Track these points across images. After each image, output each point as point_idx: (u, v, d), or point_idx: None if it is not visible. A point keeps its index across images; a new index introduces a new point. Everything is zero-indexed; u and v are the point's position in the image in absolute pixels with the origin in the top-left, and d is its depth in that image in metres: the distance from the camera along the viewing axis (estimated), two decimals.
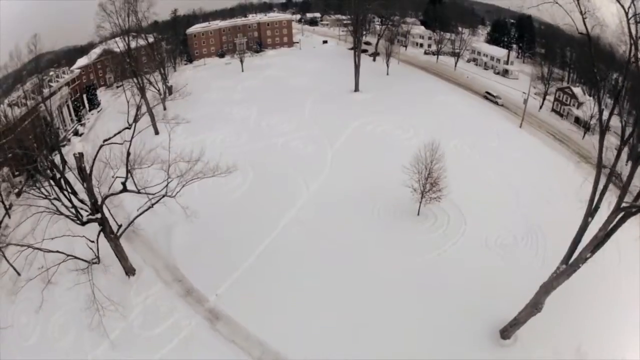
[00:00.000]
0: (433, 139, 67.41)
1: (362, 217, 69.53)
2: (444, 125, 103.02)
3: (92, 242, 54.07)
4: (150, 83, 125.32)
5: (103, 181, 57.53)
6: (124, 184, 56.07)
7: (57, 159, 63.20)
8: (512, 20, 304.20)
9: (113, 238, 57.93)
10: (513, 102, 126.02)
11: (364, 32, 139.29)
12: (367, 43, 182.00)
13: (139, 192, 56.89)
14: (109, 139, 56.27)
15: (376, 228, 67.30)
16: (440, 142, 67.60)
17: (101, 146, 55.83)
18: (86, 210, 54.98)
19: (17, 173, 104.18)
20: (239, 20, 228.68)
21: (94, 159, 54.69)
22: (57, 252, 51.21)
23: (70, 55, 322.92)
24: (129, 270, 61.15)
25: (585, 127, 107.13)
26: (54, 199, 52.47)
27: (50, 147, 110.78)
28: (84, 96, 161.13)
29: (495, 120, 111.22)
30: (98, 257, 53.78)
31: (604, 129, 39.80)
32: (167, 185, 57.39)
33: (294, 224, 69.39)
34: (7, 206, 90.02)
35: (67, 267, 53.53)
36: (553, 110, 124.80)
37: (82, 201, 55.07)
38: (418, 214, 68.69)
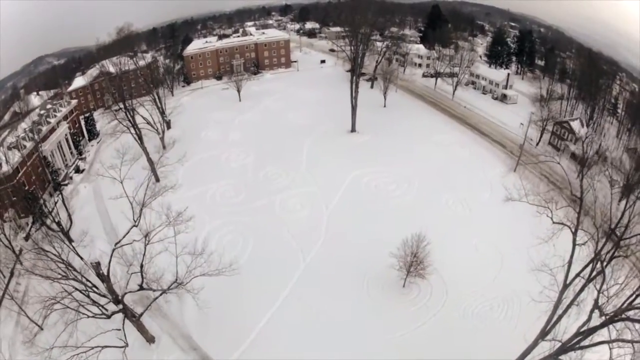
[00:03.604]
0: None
1: (353, 291, 77.07)
2: (438, 174, 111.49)
3: (119, 330, 62.15)
4: (148, 122, 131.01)
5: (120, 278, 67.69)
6: (140, 285, 65.08)
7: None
8: (513, 24, 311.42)
9: (135, 320, 67.35)
10: (510, 138, 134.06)
11: (364, 52, 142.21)
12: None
13: (153, 290, 66.21)
14: (119, 241, 66.05)
15: (365, 302, 75.05)
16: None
17: (113, 250, 65.21)
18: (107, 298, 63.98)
19: (22, 215, 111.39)
20: (235, 41, 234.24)
21: (109, 263, 64.06)
22: (97, 347, 58.54)
23: (68, 66, 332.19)
24: (150, 339, 70.85)
25: (581, 164, 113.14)
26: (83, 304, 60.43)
27: (54, 187, 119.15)
28: (83, 126, 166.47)
29: (490, 163, 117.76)
30: (127, 343, 61.84)
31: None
32: (176, 279, 65.70)
33: (292, 298, 77.19)
34: (18, 251, 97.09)
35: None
36: (550, 143, 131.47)
37: (103, 295, 63.73)
38: (404, 286, 76.46)
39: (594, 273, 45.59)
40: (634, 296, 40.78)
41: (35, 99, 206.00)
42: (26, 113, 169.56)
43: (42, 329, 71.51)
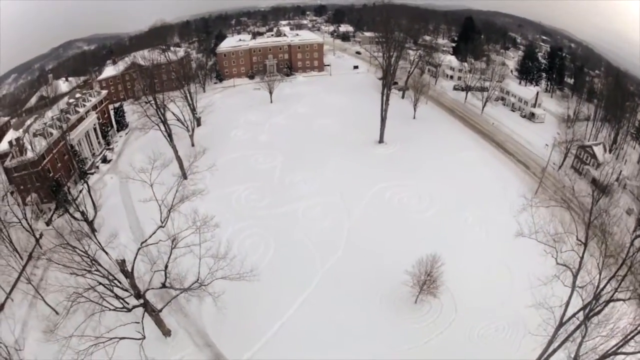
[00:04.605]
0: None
1: (366, 302, 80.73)
2: (460, 192, 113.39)
3: (137, 323, 66.61)
4: (178, 119, 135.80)
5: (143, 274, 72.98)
6: (163, 283, 69.89)
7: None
8: (544, 37, 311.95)
9: (154, 315, 72.27)
10: (534, 159, 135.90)
11: (397, 61, 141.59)
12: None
13: (175, 289, 70.90)
14: (145, 241, 71.06)
15: (377, 314, 78.58)
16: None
17: (139, 249, 69.77)
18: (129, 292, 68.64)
19: (45, 200, 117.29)
20: (269, 41, 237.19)
21: (134, 260, 68.63)
22: (115, 337, 63.46)
23: (98, 52, 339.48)
24: (166, 333, 75.72)
25: (602, 190, 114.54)
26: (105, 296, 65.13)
27: (79, 175, 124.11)
28: (112, 117, 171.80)
29: (513, 185, 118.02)
30: (144, 336, 66.59)
31: None
32: (197, 279, 70.14)
33: (307, 304, 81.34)
34: (38, 235, 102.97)
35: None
36: (572, 167, 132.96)
37: (125, 289, 68.40)
38: (415, 302, 79.72)
39: (577, 323, 48.75)
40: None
41: (63, 85, 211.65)
42: (53, 99, 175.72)
43: (57, 313, 77.01)
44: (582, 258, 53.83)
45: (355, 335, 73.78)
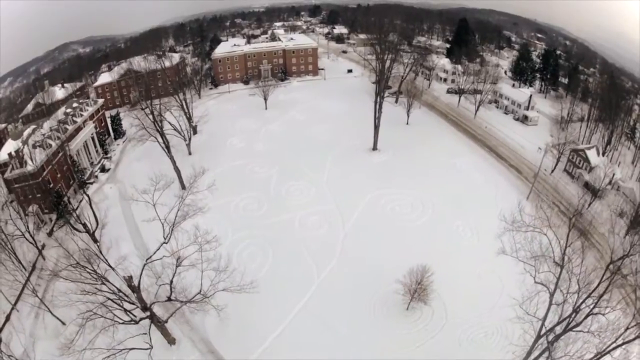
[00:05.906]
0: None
1: (360, 309, 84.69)
2: (452, 199, 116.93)
3: (144, 334, 71.43)
4: (175, 129, 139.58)
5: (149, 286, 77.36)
6: (168, 297, 74.19)
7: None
8: (539, 35, 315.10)
9: (160, 325, 76.59)
10: (526, 163, 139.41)
11: (392, 64, 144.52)
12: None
13: (180, 301, 74.99)
14: (150, 257, 75.15)
15: (371, 320, 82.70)
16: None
17: (144, 265, 73.86)
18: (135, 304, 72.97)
19: (46, 211, 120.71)
20: (264, 46, 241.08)
21: (140, 275, 72.86)
22: (125, 349, 67.97)
23: (93, 55, 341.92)
24: (171, 342, 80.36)
25: (594, 193, 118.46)
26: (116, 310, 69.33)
27: (79, 185, 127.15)
28: (109, 125, 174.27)
29: (505, 189, 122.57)
30: (152, 346, 70.77)
31: None
32: (200, 291, 74.56)
33: (304, 312, 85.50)
34: (40, 247, 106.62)
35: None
36: (565, 170, 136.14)
37: (132, 302, 72.73)
38: (407, 309, 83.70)
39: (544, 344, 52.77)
40: None
41: (59, 92, 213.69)
42: (50, 107, 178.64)
43: (64, 324, 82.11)
44: (558, 279, 57.43)
45: (350, 341, 77.96)
